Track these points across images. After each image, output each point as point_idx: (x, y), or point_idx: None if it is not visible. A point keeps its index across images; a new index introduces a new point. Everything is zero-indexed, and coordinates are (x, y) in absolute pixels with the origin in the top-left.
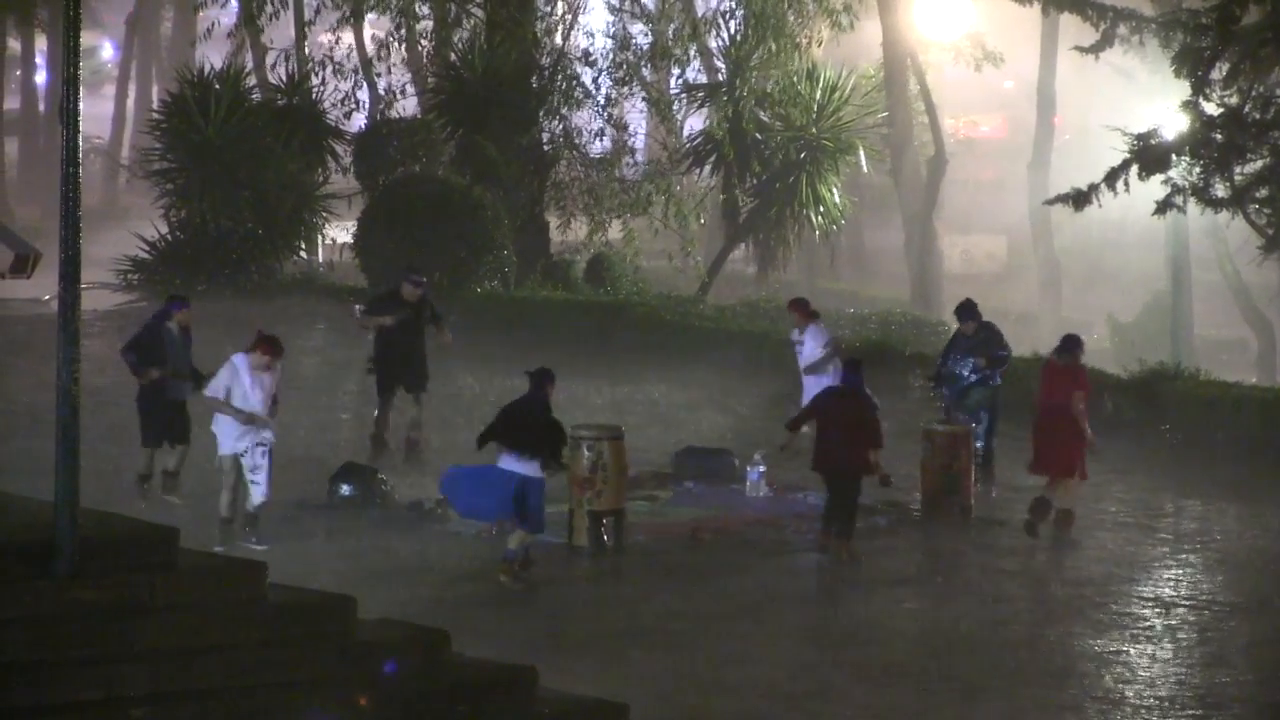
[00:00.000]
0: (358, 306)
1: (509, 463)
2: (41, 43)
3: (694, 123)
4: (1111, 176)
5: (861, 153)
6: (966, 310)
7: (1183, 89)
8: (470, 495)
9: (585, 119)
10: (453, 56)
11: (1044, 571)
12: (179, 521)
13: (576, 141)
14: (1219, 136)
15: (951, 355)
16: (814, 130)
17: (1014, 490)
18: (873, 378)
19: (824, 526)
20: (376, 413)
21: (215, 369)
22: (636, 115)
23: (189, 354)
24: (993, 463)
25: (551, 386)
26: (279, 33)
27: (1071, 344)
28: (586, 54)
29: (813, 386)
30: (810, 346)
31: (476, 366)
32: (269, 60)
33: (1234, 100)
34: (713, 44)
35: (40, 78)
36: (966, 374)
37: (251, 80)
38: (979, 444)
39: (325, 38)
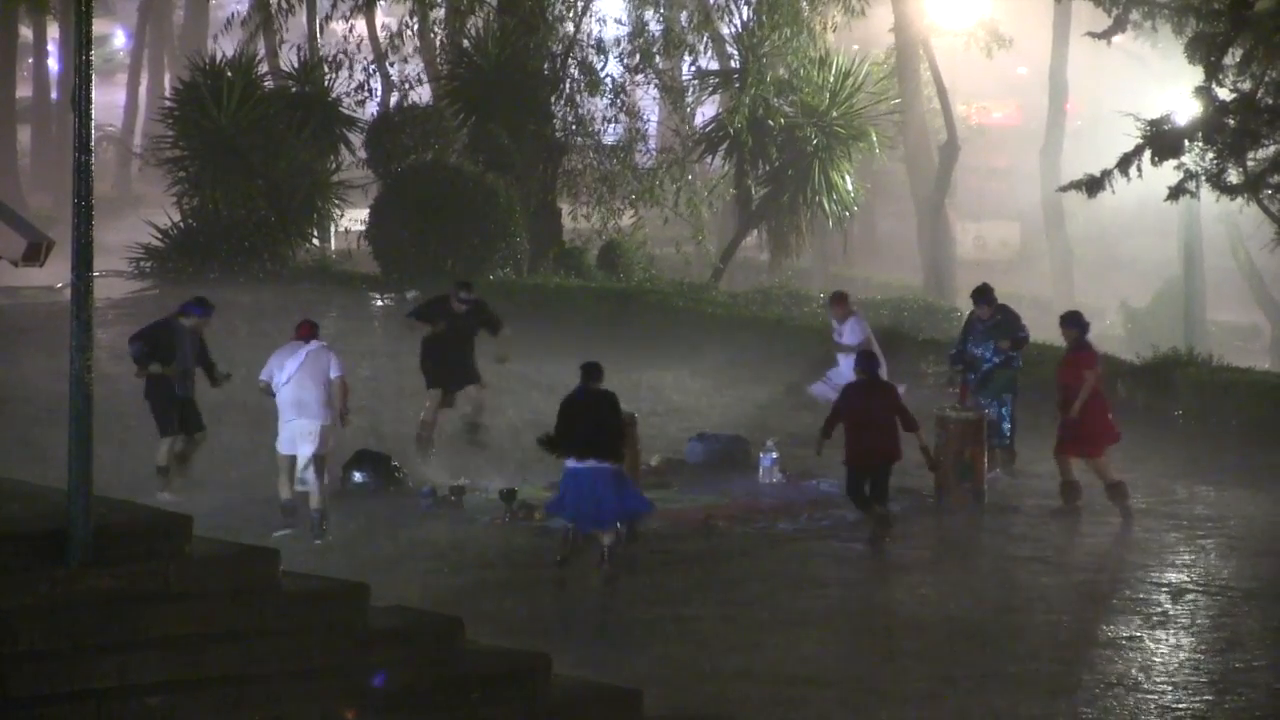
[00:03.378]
0: (411, 297)
1: (572, 460)
2: (54, 30)
3: (706, 110)
4: (1124, 162)
5: (874, 139)
6: (982, 294)
7: (1196, 74)
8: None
9: (598, 106)
10: (465, 44)
11: (1058, 557)
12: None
13: (589, 129)
14: (1232, 122)
15: (970, 339)
16: (827, 116)
17: (1034, 476)
18: (886, 364)
19: (867, 511)
20: (422, 414)
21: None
22: (649, 102)
23: (200, 352)
24: (1014, 446)
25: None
26: (291, 20)
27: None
28: (599, 41)
29: (845, 368)
30: (849, 340)
31: (488, 354)
32: (281, 47)
33: (1247, 86)
34: (725, 30)
35: (53, 65)
36: (989, 356)
37: (264, 68)
38: (1006, 426)
39: (338, 26)
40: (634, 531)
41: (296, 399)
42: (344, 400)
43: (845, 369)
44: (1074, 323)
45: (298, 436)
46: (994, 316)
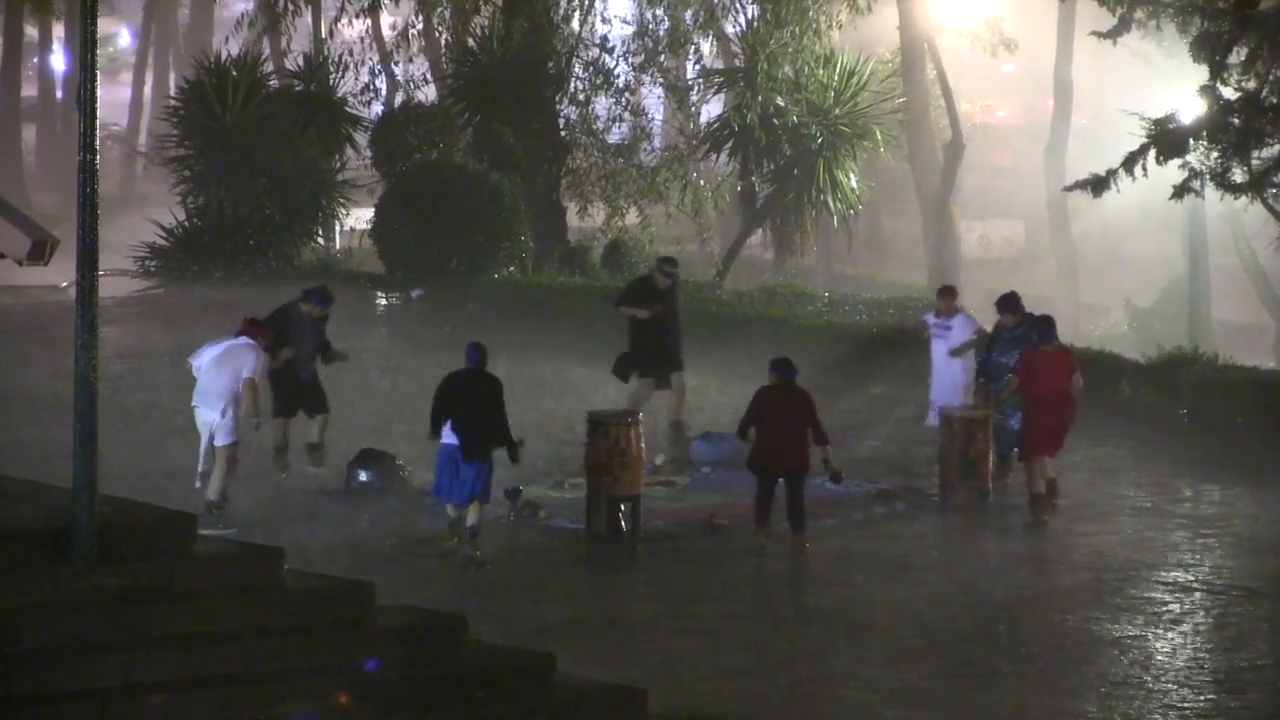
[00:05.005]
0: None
1: (449, 435)
2: (59, 29)
3: (710, 109)
4: (1129, 161)
5: (879, 138)
6: (1006, 303)
7: (1200, 73)
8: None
9: (603, 105)
10: (470, 42)
11: (1062, 556)
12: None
13: (594, 127)
14: (1236, 121)
15: (995, 349)
16: (831, 115)
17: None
18: (890, 363)
19: (761, 524)
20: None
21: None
22: (654, 101)
23: (321, 336)
24: None
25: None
26: (297, 19)
27: (1054, 328)
28: (604, 40)
29: (945, 372)
30: (959, 334)
31: (493, 353)
32: (287, 47)
33: (1252, 85)
34: (729, 29)
35: (58, 64)
36: (1014, 365)
37: (269, 67)
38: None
39: (343, 24)
40: (637, 529)
41: (202, 388)
42: (251, 401)
43: (946, 378)
44: (1035, 326)
45: (199, 426)
46: (1019, 325)
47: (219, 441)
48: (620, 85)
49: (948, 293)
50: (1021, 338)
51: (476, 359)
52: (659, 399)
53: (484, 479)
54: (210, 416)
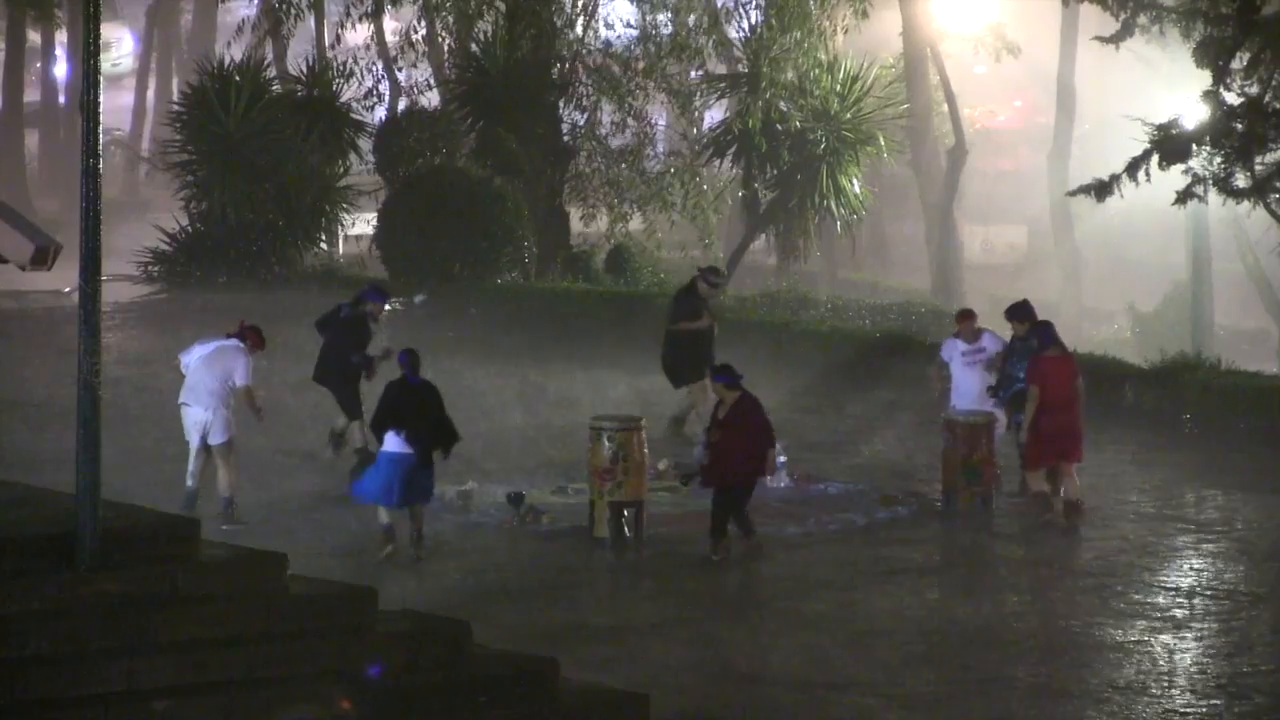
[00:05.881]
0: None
1: (400, 444)
2: (61, 35)
3: (713, 114)
4: (1132, 166)
5: (882, 143)
6: (1014, 312)
7: (1203, 78)
8: (375, 484)
9: (606, 110)
10: (474, 48)
11: (1065, 561)
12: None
13: (597, 133)
14: (1240, 126)
15: (1011, 360)
16: (835, 120)
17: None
18: (893, 368)
19: (724, 536)
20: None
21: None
22: (656, 106)
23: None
24: None
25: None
26: (300, 25)
27: (1053, 331)
28: (607, 45)
29: (979, 394)
30: (991, 353)
31: (496, 358)
32: (287, 52)
33: (1255, 90)
34: (733, 34)
35: (60, 70)
36: (1020, 376)
37: (272, 72)
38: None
39: (347, 29)
40: (641, 535)
41: (191, 384)
42: (253, 408)
43: (966, 390)
44: (1035, 332)
45: (188, 424)
46: (1031, 334)
47: (214, 440)
48: (623, 91)
49: (969, 316)
50: (1034, 348)
51: (414, 365)
52: (673, 397)
53: (432, 481)
54: (202, 415)
